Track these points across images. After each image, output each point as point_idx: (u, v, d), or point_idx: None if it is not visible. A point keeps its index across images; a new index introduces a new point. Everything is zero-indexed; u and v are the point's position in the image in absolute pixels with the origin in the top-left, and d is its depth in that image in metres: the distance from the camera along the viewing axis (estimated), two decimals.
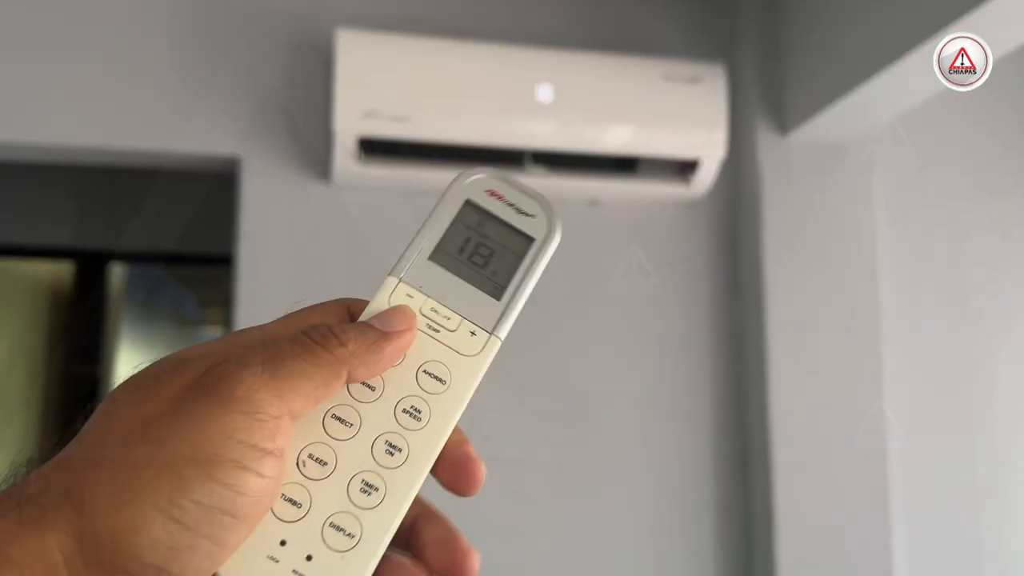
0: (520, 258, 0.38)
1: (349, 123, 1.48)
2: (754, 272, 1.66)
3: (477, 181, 0.39)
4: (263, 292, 1.57)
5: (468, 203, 0.39)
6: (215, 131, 1.59)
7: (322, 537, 0.31)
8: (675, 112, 1.59)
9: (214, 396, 0.28)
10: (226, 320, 2.29)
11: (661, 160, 1.64)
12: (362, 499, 0.32)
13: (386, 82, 1.50)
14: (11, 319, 3.09)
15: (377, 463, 0.32)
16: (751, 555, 1.64)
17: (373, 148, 1.53)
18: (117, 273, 3.33)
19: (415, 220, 1.50)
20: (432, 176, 1.58)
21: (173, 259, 2.93)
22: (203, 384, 0.29)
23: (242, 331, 0.34)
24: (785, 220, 1.65)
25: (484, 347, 0.36)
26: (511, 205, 0.39)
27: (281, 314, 0.36)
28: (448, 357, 0.35)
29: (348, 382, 0.33)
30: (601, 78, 1.58)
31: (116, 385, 0.31)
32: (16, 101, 1.55)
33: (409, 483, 0.33)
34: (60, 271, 3.41)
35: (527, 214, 0.39)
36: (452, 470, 0.34)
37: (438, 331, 0.36)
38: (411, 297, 0.36)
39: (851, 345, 1.64)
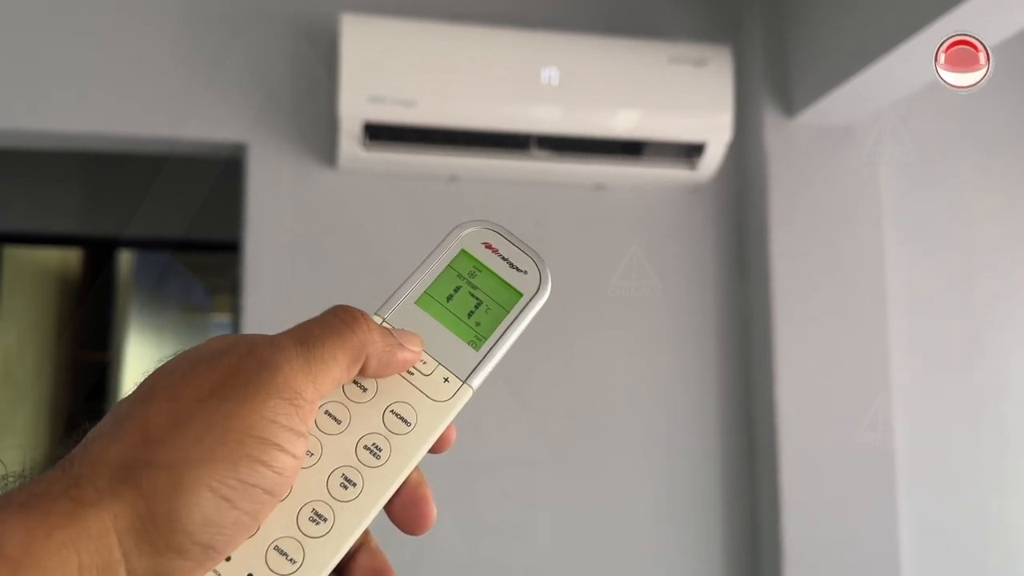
0: (506, 311, 0.38)
1: (354, 108, 1.48)
2: (760, 255, 1.66)
3: (475, 233, 0.40)
4: (270, 278, 1.57)
5: (463, 252, 0.39)
6: (221, 118, 1.60)
7: (265, 558, 0.31)
8: (681, 95, 1.59)
9: (255, 383, 0.30)
10: (234, 306, 2.30)
11: (667, 143, 1.63)
12: (309, 527, 0.32)
13: (391, 67, 1.50)
14: (21, 306, 3.11)
15: (330, 495, 0.33)
16: (758, 542, 1.65)
17: (378, 133, 1.53)
18: (125, 260, 3.35)
19: (421, 205, 1.50)
20: (438, 161, 1.58)
21: (180, 246, 2.95)
22: (244, 369, 0.31)
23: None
24: (791, 203, 1.65)
25: (455, 395, 0.37)
26: (505, 259, 0.39)
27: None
28: (417, 400, 0.36)
29: (360, 373, 0.35)
30: (606, 61, 1.58)
31: (154, 370, 0.33)
32: (24, 89, 1.55)
33: (358, 518, 0.33)
34: (69, 258, 3.43)
35: (519, 270, 0.39)
36: (403, 507, 0.35)
37: (412, 374, 0.37)
38: None
39: (857, 329, 1.64)
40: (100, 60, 1.58)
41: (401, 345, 0.35)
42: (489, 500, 1.58)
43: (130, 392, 0.32)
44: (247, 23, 1.62)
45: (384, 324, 0.37)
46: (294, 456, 0.30)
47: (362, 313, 0.35)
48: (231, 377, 0.31)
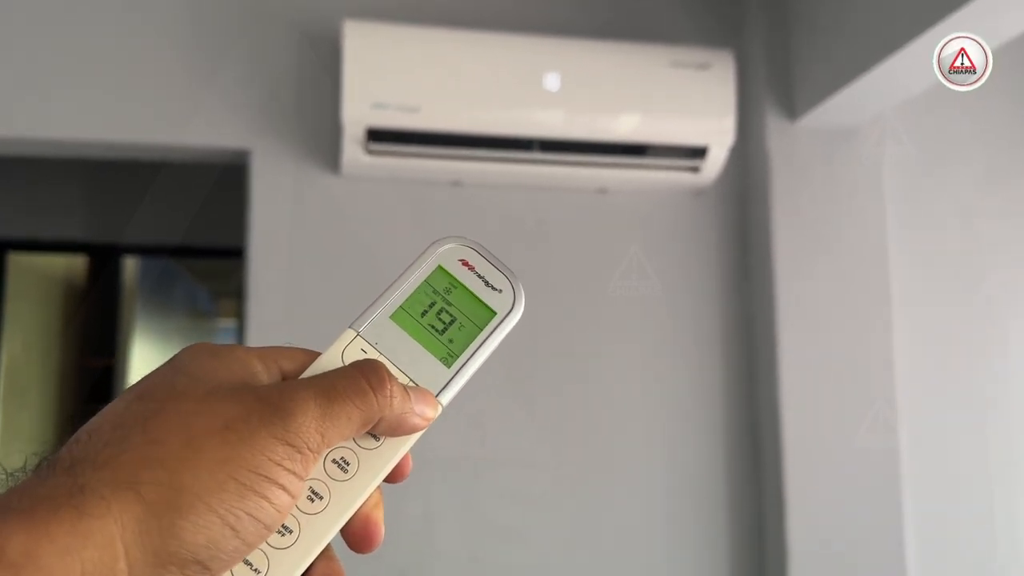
0: (479, 329, 0.39)
1: (358, 114, 1.48)
2: (763, 258, 1.66)
3: (452, 249, 0.40)
4: (274, 283, 1.58)
5: (440, 268, 0.40)
6: (225, 124, 1.60)
7: (230, 569, 0.32)
8: (683, 99, 1.59)
9: (268, 427, 0.32)
10: (239, 311, 2.31)
11: (670, 147, 1.64)
12: (275, 538, 0.33)
13: (394, 73, 1.51)
14: (26, 312, 3.12)
15: (297, 507, 0.34)
16: (763, 543, 1.65)
17: (382, 138, 1.54)
18: (130, 266, 3.36)
19: (424, 210, 1.51)
20: (441, 166, 1.58)
21: (185, 251, 2.95)
22: (260, 410, 0.32)
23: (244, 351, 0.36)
24: (794, 205, 1.65)
25: None
26: (481, 277, 0.40)
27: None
28: None
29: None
30: (609, 65, 1.58)
31: (153, 382, 0.33)
32: (26, 97, 1.56)
33: (323, 531, 0.34)
34: (74, 264, 3.44)
35: (494, 288, 0.39)
36: (354, 526, 0.35)
37: None
38: (364, 352, 0.37)
39: (861, 330, 1.64)
40: (103, 69, 1.59)
41: (414, 412, 0.36)
42: (490, 500, 1.58)
43: (129, 399, 0.32)
44: (250, 30, 1.63)
45: (358, 338, 0.37)
46: (291, 496, 0.32)
47: (388, 376, 0.35)
48: (247, 415, 0.32)
